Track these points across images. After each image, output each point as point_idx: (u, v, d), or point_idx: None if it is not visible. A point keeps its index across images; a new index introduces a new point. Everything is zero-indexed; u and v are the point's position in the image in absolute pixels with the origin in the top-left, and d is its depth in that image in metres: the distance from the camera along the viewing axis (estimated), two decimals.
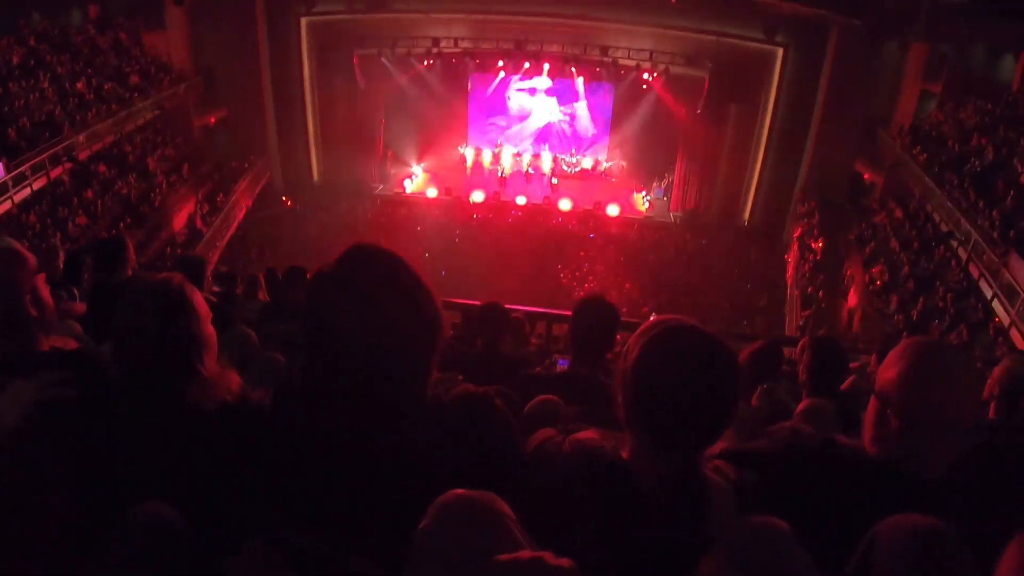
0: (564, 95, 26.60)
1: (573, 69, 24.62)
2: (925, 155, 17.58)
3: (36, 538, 1.25)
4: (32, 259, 1.87)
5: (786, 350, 5.99)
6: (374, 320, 1.21)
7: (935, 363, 1.38)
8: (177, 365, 1.48)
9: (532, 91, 26.52)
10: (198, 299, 1.57)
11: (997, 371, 2.77)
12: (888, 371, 1.41)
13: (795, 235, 21.38)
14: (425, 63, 24.72)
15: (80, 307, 3.64)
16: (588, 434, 1.40)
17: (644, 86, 24.66)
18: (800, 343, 5.48)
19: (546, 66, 24.68)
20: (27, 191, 14.91)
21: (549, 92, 26.48)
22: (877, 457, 1.48)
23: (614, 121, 27.03)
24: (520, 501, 1.12)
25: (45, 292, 1.88)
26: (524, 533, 1.06)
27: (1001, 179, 14.58)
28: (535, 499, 1.24)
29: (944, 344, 1.54)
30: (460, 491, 1.07)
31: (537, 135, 27.48)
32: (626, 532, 1.24)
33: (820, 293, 17.48)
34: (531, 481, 1.34)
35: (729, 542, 1.15)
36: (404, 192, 26.03)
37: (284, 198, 24.51)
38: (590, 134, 27.31)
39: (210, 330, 1.58)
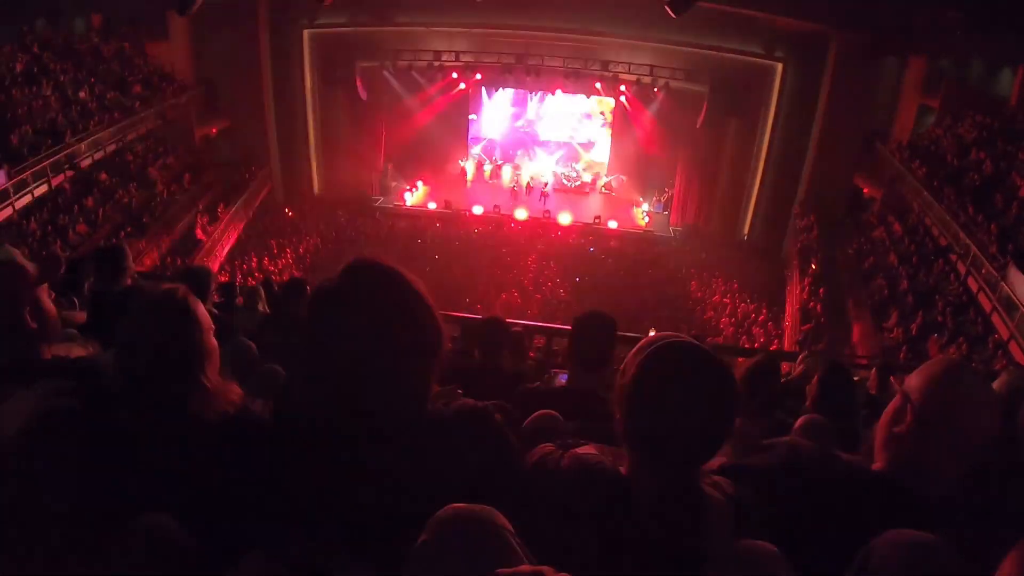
0: None
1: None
2: (924, 169, 17.62)
3: (37, 548, 1.25)
4: (32, 269, 1.89)
5: (784, 364, 6.00)
6: (375, 335, 1.22)
7: (963, 373, 1.42)
8: (180, 376, 1.49)
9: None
10: (201, 310, 1.58)
11: (995, 385, 2.77)
12: (918, 374, 1.46)
13: (794, 249, 21.38)
14: (427, 76, 24.84)
15: (80, 316, 3.64)
16: (587, 449, 1.40)
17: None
18: (799, 357, 5.51)
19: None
20: (28, 198, 14.95)
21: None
22: (878, 471, 1.49)
23: (614, 136, 27.16)
24: (519, 516, 1.12)
25: (47, 302, 1.89)
26: (523, 547, 1.07)
27: (1000, 193, 14.62)
28: (534, 514, 1.25)
29: (975, 368, 1.59)
30: (459, 505, 1.07)
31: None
32: (624, 547, 1.24)
33: (819, 307, 17.46)
34: (530, 496, 1.35)
35: (720, 567, 1.15)
36: (404, 205, 26.03)
37: (286, 209, 24.54)
38: None
39: (212, 342, 1.59)
